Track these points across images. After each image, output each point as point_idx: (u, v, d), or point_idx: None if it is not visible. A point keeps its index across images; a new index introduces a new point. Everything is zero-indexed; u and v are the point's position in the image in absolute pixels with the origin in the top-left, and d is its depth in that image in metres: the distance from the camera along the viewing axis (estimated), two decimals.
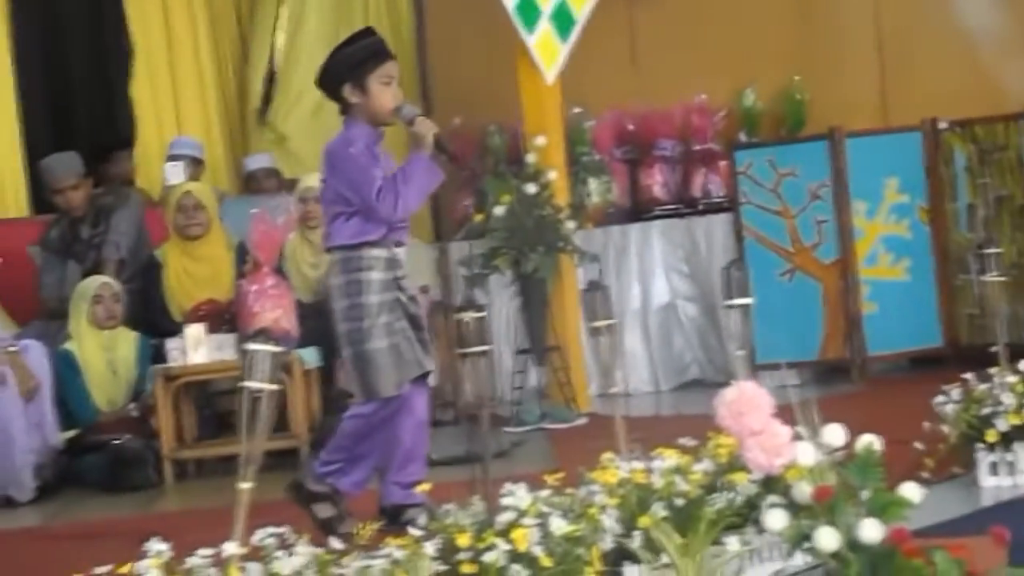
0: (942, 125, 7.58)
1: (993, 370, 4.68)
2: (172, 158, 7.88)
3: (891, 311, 7.46)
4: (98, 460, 6.46)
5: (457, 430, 6.50)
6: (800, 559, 3.13)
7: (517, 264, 7.14)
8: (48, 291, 7.50)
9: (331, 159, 4.62)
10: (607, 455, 3.71)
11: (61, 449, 6.50)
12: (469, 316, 3.33)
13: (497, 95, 8.17)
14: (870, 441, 3.18)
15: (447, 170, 4.73)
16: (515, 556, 3.11)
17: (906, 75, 8.11)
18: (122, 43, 9.00)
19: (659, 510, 3.36)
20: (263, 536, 3.06)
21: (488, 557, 3.09)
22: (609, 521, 3.35)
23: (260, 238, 6.48)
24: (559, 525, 3.20)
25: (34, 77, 8.73)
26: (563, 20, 7.48)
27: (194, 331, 6.51)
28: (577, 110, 8.19)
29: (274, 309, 6.43)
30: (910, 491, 3.08)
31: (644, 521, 3.29)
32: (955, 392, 4.63)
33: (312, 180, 6.53)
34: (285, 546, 3.05)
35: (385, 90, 4.59)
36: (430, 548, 3.12)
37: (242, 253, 7.02)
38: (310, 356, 6.57)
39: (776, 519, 3.12)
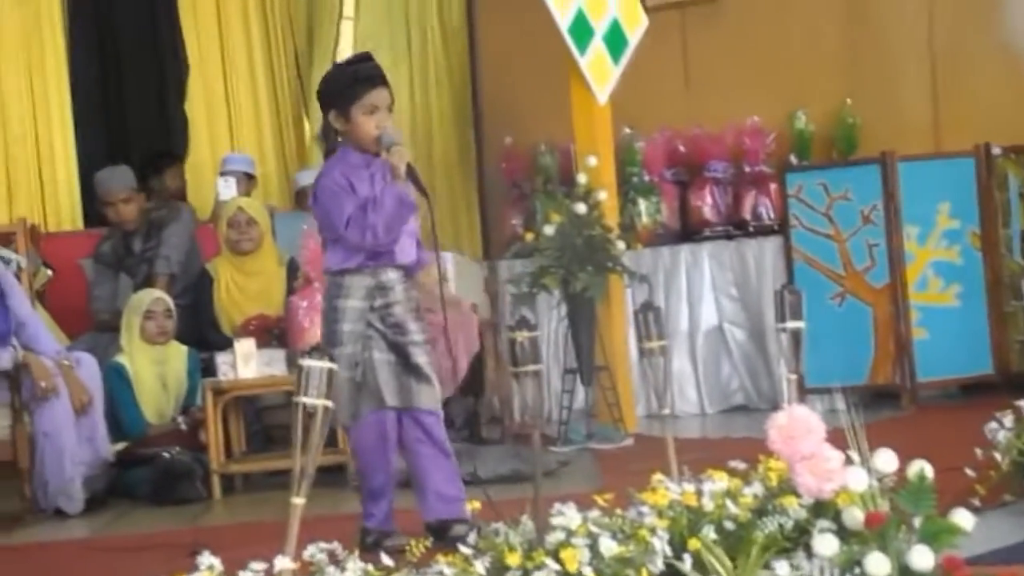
0: (995, 151, 7.54)
1: None
2: (224, 174, 7.94)
3: (941, 337, 7.42)
4: (147, 473, 6.48)
5: (504, 449, 6.50)
6: None
7: (566, 283, 7.13)
8: (100, 304, 7.56)
9: (313, 188, 4.69)
10: (657, 476, 3.70)
11: (111, 461, 6.54)
12: (522, 335, 3.33)
13: (548, 114, 8.19)
14: (922, 467, 3.17)
15: (423, 198, 4.61)
16: None
17: (959, 100, 8.08)
18: (177, 59, 9.09)
19: (709, 533, 3.35)
20: (314, 551, 3.07)
21: None
22: (659, 543, 3.34)
23: (311, 254, 6.59)
24: (609, 546, 3.20)
25: (89, 92, 8.81)
26: (616, 41, 7.49)
27: (244, 346, 6.53)
28: (628, 130, 8.20)
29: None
30: (962, 518, 3.07)
31: (694, 544, 3.28)
32: (1006, 419, 4.60)
33: None
34: (335, 561, 3.06)
35: (367, 119, 4.57)
36: (480, 566, 3.13)
37: (293, 269, 7.07)
38: None
39: (827, 544, 3.12)
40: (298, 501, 3.09)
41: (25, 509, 6.19)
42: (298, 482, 3.09)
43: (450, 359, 6.37)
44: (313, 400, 3.09)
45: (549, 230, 7.13)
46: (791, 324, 3.97)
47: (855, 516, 3.17)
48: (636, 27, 7.60)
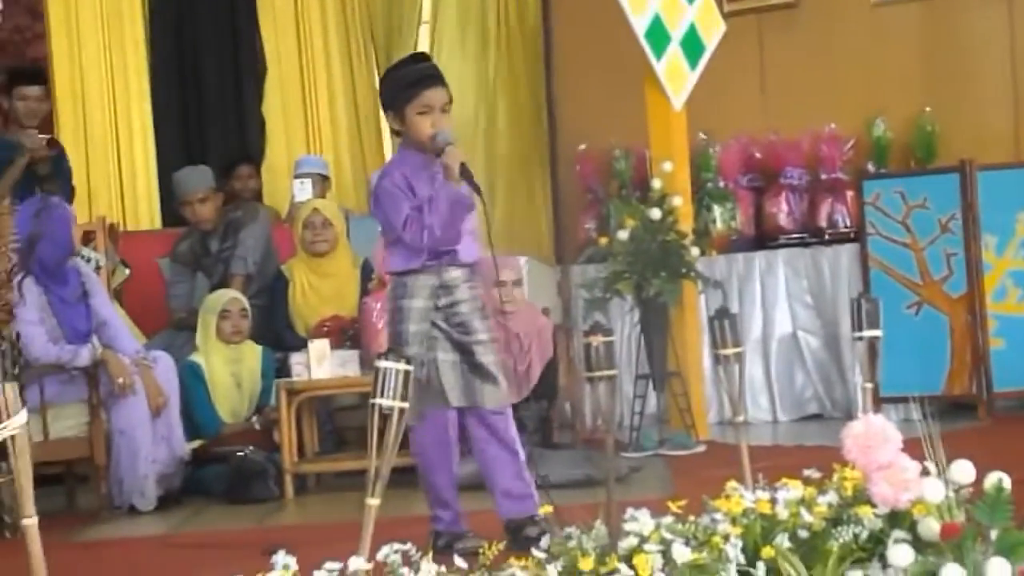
0: None
1: None
2: (299, 176, 8.00)
3: (1018, 347, 7.34)
4: (221, 471, 6.54)
5: (575, 453, 6.49)
6: None
7: (639, 289, 7.12)
8: (177, 302, 7.63)
9: (372, 190, 4.69)
10: (731, 483, 3.68)
11: (185, 460, 6.59)
12: (597, 339, 3.32)
13: (622, 119, 8.19)
14: (999, 478, 3.13)
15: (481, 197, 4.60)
16: None
17: None
18: (255, 62, 9.16)
19: (784, 541, 3.33)
20: (387, 552, 3.07)
21: None
22: (732, 550, 3.32)
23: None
24: (682, 553, 3.18)
25: (169, 93, 8.90)
26: (693, 47, 7.48)
27: (318, 346, 6.57)
28: (703, 136, 8.18)
29: None
30: None
31: (768, 552, 3.26)
32: None
33: None
34: (409, 563, 3.07)
35: (422, 119, 4.54)
36: (552, 570, 3.13)
37: (367, 270, 7.10)
38: None
39: (902, 555, 3.09)
40: (373, 502, 3.10)
41: (101, 506, 6.26)
42: (373, 483, 3.10)
43: (524, 363, 6.39)
44: (389, 402, 3.09)
45: (623, 235, 7.12)
46: (868, 333, 3.94)
47: (931, 527, 3.14)
48: (713, 32, 7.58)
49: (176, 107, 8.89)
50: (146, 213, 8.54)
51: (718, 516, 3.47)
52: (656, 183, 7.23)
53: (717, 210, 8.19)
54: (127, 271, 7.67)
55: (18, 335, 5.90)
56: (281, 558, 2.98)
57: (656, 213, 7.09)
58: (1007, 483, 3.12)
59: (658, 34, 7.36)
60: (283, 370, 6.80)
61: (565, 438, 7.09)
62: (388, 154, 9.35)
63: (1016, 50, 8.09)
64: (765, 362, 7.99)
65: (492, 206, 4.61)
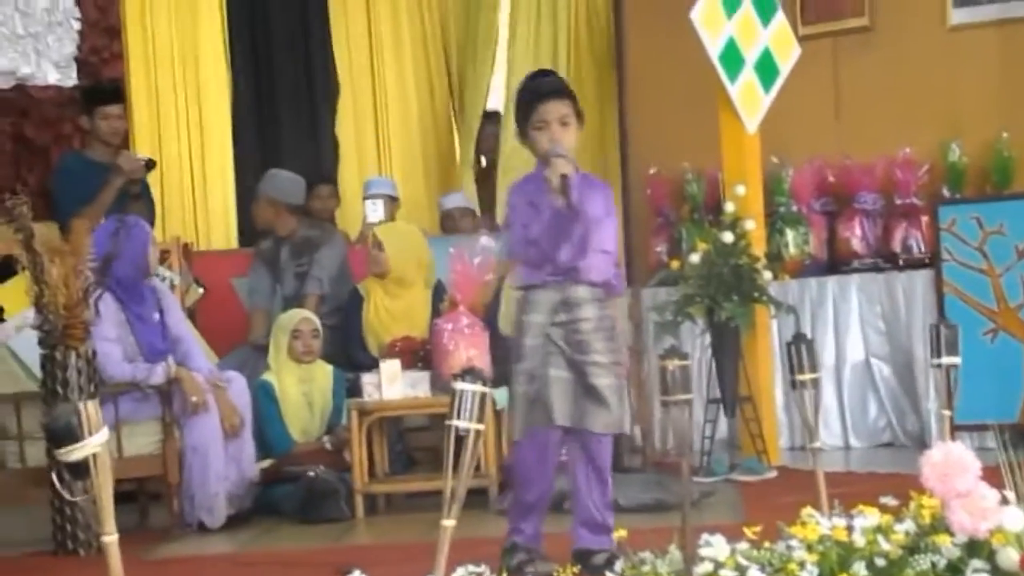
0: None
1: None
2: (369, 197, 8.04)
3: None
4: (292, 490, 6.55)
5: (645, 477, 6.47)
6: None
7: (711, 313, 7.09)
8: (257, 297, 7.67)
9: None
10: (807, 510, 3.66)
11: (256, 481, 6.61)
12: (673, 363, 3.31)
13: (694, 142, 8.17)
14: None
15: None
16: None
17: None
18: (329, 82, 9.21)
19: (860, 569, 3.30)
20: (462, 573, 3.08)
21: None
22: None
23: (457, 278, 6.62)
24: None
25: (245, 113, 8.96)
26: (767, 70, 7.45)
27: (390, 367, 6.58)
28: (775, 160, 8.14)
29: (468, 348, 6.56)
30: None
31: None
32: None
33: None
34: None
35: (539, 134, 4.54)
36: None
37: (439, 292, 7.11)
38: (501, 396, 6.58)
39: None
40: (448, 523, 3.11)
41: (173, 523, 6.29)
42: (449, 504, 3.10)
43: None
44: (465, 423, 3.10)
45: (695, 258, 7.10)
46: (946, 360, 3.90)
47: (1010, 557, 3.11)
48: (788, 56, 7.55)
49: (252, 127, 8.95)
50: (221, 233, 8.60)
51: (794, 543, 3.45)
52: (729, 206, 7.20)
53: (790, 234, 8.13)
54: (201, 290, 7.73)
55: (94, 353, 5.95)
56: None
57: (728, 237, 7.07)
58: None
59: (732, 57, 7.34)
60: (354, 390, 6.81)
61: (635, 462, 7.06)
62: (459, 174, 9.40)
63: None
64: (837, 388, 7.92)
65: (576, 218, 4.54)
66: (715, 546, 3.27)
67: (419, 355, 6.79)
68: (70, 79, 7.82)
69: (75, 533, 5.85)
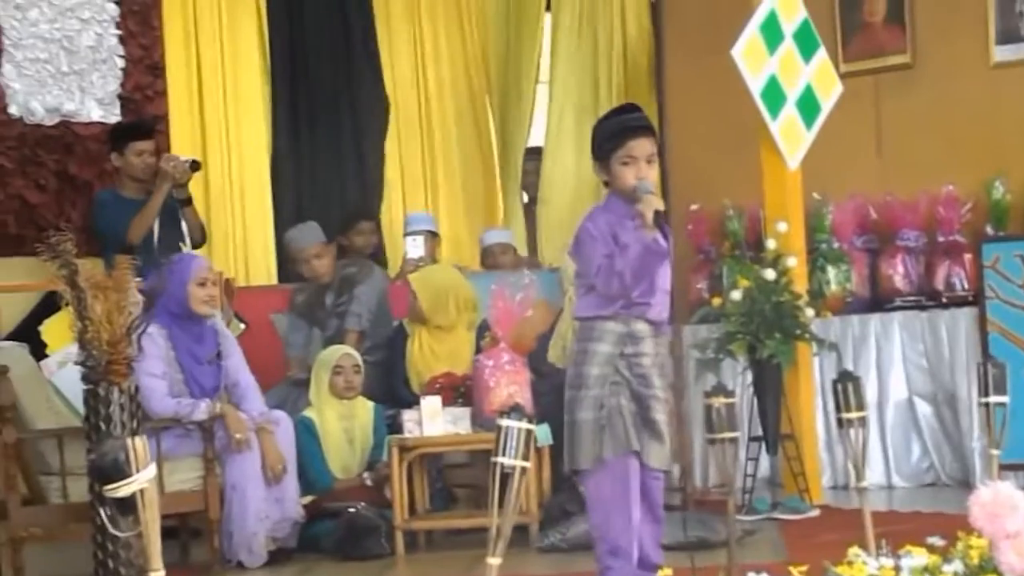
0: None
1: None
2: (409, 233, 8.06)
3: None
4: (333, 527, 6.55)
5: (688, 515, 6.42)
6: None
7: (752, 350, 7.07)
8: (294, 351, 7.70)
9: (575, 234, 4.67)
10: (853, 549, 3.63)
11: (300, 521, 6.59)
12: (719, 401, 3.30)
13: (736, 178, 8.17)
14: None
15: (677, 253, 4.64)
16: None
17: None
18: (374, 118, 9.23)
19: None
20: None
21: None
22: None
23: (499, 314, 6.62)
24: None
25: (287, 149, 8.99)
26: (809, 107, 7.44)
27: (431, 403, 6.58)
28: (817, 196, 8.12)
29: (509, 385, 6.56)
30: None
31: None
32: None
33: None
34: None
35: (625, 170, 4.52)
36: None
37: (481, 328, 7.11)
38: (543, 433, 6.58)
39: None
40: (494, 561, 3.10)
41: (214, 560, 6.29)
42: (495, 542, 3.09)
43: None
44: (511, 460, 3.09)
45: (736, 295, 7.08)
46: (994, 398, 3.87)
47: None
48: (830, 93, 7.55)
49: (293, 163, 8.98)
50: (263, 268, 8.61)
51: None
52: (770, 243, 7.19)
53: (831, 271, 8.11)
54: (242, 326, 7.74)
55: (137, 388, 5.97)
56: None
57: (770, 274, 7.05)
58: None
59: (774, 94, 7.34)
60: (394, 426, 6.81)
61: (675, 500, 7.03)
62: (502, 210, 9.42)
63: None
64: (880, 427, 7.87)
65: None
66: None
67: (460, 391, 6.78)
68: (114, 116, 7.89)
69: (117, 569, 5.83)
